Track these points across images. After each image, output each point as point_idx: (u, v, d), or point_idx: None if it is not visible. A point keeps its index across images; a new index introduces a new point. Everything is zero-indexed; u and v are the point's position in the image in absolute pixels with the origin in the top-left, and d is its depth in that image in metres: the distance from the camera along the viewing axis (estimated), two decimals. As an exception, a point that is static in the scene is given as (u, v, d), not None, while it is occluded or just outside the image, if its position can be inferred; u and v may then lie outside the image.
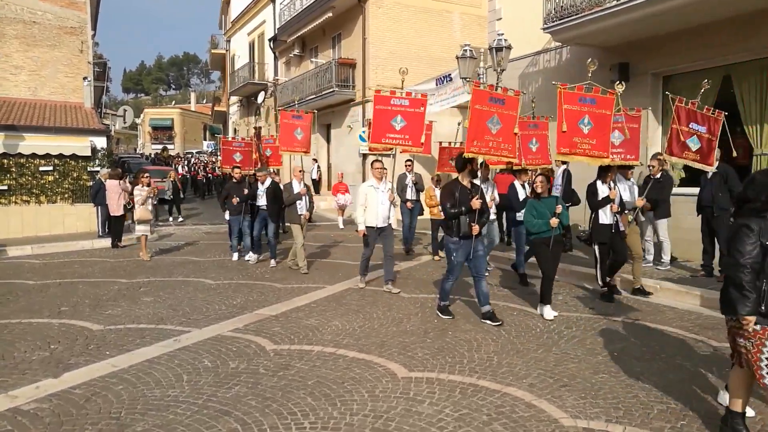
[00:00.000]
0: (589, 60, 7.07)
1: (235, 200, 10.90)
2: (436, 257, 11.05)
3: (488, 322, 6.50)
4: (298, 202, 9.89)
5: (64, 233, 14.91)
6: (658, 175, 8.56)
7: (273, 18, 26.98)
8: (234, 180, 11.30)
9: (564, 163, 10.75)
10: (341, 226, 16.86)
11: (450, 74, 15.82)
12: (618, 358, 5.34)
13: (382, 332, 6.23)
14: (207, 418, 4.08)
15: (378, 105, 8.07)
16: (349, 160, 20.24)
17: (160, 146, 53.73)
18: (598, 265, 7.65)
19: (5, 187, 14.44)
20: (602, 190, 7.48)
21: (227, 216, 11.37)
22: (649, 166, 8.81)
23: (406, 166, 11.79)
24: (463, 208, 6.46)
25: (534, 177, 7.37)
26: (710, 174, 8.16)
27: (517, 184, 9.00)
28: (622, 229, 7.49)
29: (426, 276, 9.41)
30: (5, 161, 14.45)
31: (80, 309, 7.40)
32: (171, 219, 18.23)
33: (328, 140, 22.91)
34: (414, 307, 7.34)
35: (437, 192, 10.65)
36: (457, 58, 12.94)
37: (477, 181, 7.05)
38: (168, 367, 5.14)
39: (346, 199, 16.95)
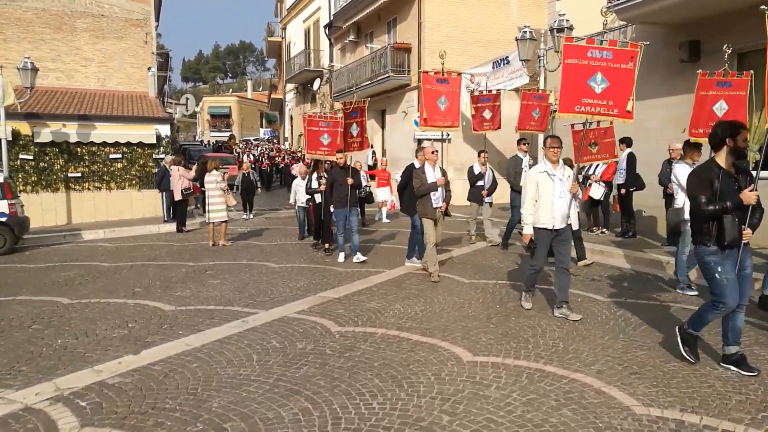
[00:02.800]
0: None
1: (350, 180, 9.42)
2: (587, 262, 8.81)
3: (732, 367, 4.60)
4: (432, 192, 8.03)
5: (132, 218, 15.61)
6: None
7: (328, 4, 27.14)
8: (339, 166, 9.83)
9: (628, 146, 10.45)
10: (385, 219, 15.01)
11: (507, 57, 15.55)
12: (690, 346, 5.17)
13: (444, 317, 6.25)
14: (278, 397, 4.22)
15: (569, 58, 5.95)
16: (403, 146, 20.19)
17: (218, 134, 55.22)
18: None
19: (79, 174, 15.21)
20: None
21: (332, 209, 9.74)
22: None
23: (478, 156, 10.81)
24: (728, 204, 4.35)
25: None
26: None
27: None
28: None
29: (485, 261, 9.34)
30: (79, 150, 15.20)
31: (152, 290, 7.74)
32: (245, 216, 16.14)
33: (382, 126, 22.95)
34: (475, 293, 7.32)
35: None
36: (517, 40, 12.67)
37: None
38: (238, 347, 5.33)
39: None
